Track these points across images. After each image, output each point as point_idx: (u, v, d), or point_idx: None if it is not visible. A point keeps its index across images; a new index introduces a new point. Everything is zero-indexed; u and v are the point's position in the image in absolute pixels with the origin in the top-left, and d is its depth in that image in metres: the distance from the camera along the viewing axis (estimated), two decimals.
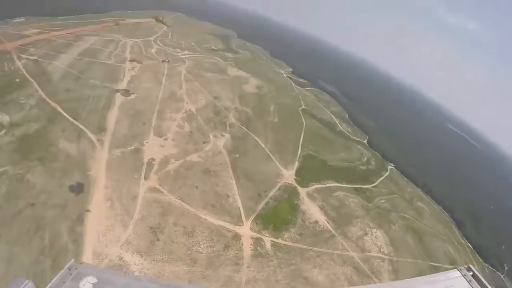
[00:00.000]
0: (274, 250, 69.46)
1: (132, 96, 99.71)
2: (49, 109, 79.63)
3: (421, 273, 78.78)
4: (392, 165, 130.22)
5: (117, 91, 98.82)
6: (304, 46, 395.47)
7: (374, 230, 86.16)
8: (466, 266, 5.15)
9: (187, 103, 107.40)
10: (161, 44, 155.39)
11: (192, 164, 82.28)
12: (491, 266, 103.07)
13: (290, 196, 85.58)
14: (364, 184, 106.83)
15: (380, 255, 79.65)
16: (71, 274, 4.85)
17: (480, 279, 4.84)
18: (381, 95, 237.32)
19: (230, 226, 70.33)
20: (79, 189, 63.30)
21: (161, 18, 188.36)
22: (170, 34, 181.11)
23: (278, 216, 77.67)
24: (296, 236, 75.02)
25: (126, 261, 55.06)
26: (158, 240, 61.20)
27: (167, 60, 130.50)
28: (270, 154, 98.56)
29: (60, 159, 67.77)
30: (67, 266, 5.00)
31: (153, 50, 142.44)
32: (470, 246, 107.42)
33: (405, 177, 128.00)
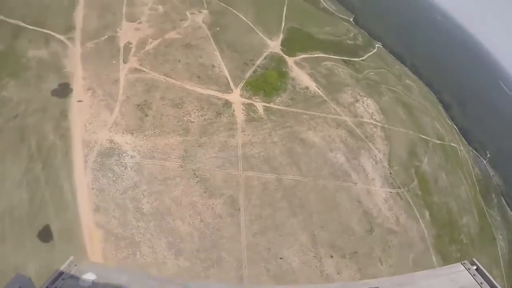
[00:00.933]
0: (267, 114, 66.12)
1: None
2: (10, 27, 67.34)
3: (412, 143, 78.63)
4: (380, 43, 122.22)
5: None
6: None
7: (365, 98, 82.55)
8: (470, 260, 4.69)
9: None
10: None
11: (172, 41, 73.90)
12: (475, 151, 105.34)
13: (277, 65, 79.50)
14: (352, 57, 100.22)
15: (372, 121, 77.41)
16: (70, 271, 4.41)
17: (484, 273, 4.43)
18: None
19: (219, 95, 65.51)
20: (63, 92, 57.14)
21: None
22: None
23: (267, 82, 72.62)
24: (288, 100, 71.23)
25: (117, 143, 51.64)
26: (146, 116, 56.77)
27: None
28: (253, 26, 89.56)
29: (32, 66, 59.63)
30: (66, 262, 4.52)
31: None
32: (456, 128, 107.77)
33: (393, 56, 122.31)
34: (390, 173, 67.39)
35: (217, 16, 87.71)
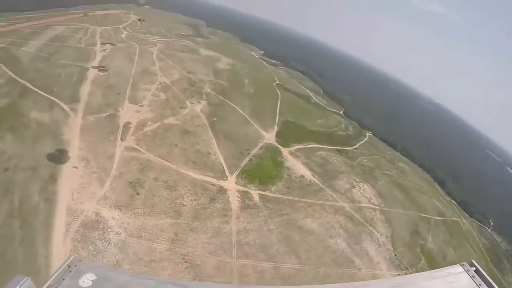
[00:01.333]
0: (263, 202, 64.32)
1: (105, 72, 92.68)
2: (19, 86, 72.59)
3: (413, 223, 76.42)
4: (370, 132, 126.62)
5: (89, 68, 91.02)
6: (272, 33, 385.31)
7: (361, 184, 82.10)
8: (469, 262, 4.58)
9: (161, 76, 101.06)
10: (130, 31, 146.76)
11: (170, 126, 76.67)
12: (478, 221, 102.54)
13: (273, 155, 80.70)
14: (345, 146, 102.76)
15: (370, 205, 75.68)
16: (70, 271, 4.33)
17: (483, 274, 4.43)
18: (352, 75, 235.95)
19: (214, 181, 64.55)
20: (57, 157, 57.06)
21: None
22: (139, 22, 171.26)
23: (263, 171, 72.65)
24: (284, 189, 70.28)
25: (103, 217, 48.90)
26: (138, 194, 55.19)
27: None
28: (248, 118, 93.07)
29: (31, 126, 61.39)
30: (66, 263, 4.43)
31: (123, 35, 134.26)
32: (455, 202, 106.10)
33: (384, 142, 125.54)
34: (395, 255, 63.53)
35: (215, 107, 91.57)
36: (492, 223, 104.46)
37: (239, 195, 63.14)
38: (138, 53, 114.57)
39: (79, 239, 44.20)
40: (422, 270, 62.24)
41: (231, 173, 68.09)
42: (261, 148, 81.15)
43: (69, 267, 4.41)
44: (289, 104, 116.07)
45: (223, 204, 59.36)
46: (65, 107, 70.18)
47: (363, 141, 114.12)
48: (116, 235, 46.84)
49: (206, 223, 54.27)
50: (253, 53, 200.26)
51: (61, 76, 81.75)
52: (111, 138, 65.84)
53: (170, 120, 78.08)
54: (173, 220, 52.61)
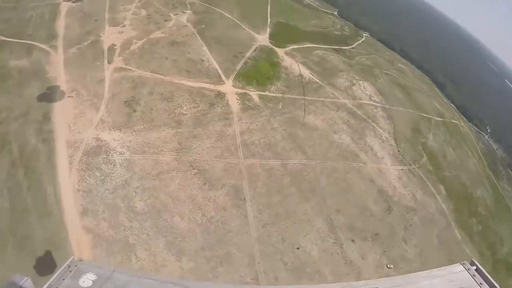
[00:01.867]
0: (263, 102, 61.06)
1: (78, 2, 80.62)
2: None
3: (414, 121, 74.26)
4: (367, 33, 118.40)
5: (61, 3, 79.91)
6: None
7: (361, 82, 77.92)
8: (470, 261, 4.48)
9: None
10: None
11: (157, 40, 69.25)
12: (476, 127, 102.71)
13: (268, 56, 75.04)
14: (342, 46, 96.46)
15: (372, 102, 72.84)
16: (70, 271, 4.30)
17: (483, 273, 4.27)
18: None
19: (211, 86, 60.35)
20: (46, 96, 52.41)
21: None
22: None
23: (259, 73, 68.02)
24: (283, 88, 66.54)
25: (105, 140, 46.06)
26: (135, 111, 51.44)
27: None
28: (238, 22, 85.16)
29: (13, 75, 55.15)
30: (66, 263, 4.40)
31: None
32: (454, 106, 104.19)
33: (382, 43, 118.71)
34: (398, 150, 62.50)
35: (201, 15, 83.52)
36: (489, 130, 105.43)
37: (238, 98, 59.55)
38: None
39: (84, 168, 41.94)
40: (425, 167, 62.42)
41: (227, 77, 63.48)
42: (255, 50, 75.05)
43: (69, 267, 4.31)
44: (280, 6, 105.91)
45: (223, 108, 56.12)
46: (44, 46, 62.87)
47: (360, 41, 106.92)
48: (120, 155, 44.48)
49: (208, 128, 51.63)
50: None
51: (33, 18, 71.79)
52: (98, 63, 59.89)
53: (156, 35, 70.46)
54: (174, 130, 49.81)
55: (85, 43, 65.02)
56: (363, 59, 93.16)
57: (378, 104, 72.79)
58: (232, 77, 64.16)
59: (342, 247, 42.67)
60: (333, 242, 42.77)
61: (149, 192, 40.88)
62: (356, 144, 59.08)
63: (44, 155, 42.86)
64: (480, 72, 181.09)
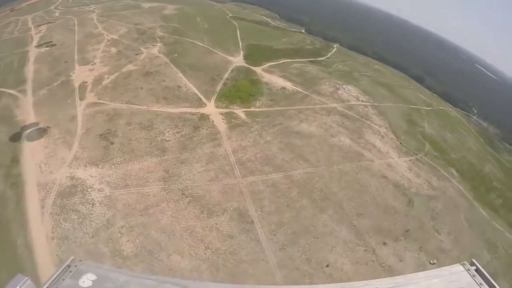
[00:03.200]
0: (251, 117, 55.66)
1: (47, 48, 77.22)
2: None
3: (406, 114, 71.11)
4: (337, 44, 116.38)
5: (29, 51, 76.34)
6: None
7: (344, 85, 74.31)
8: (470, 261, 4.25)
9: (107, 35, 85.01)
10: (63, 8, 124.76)
11: (130, 72, 64.95)
12: (462, 110, 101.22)
13: (246, 75, 70.75)
14: (317, 57, 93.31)
15: (360, 102, 68.71)
16: (70, 272, 4.13)
17: (483, 274, 4.06)
18: (305, 1, 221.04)
19: (193, 110, 54.80)
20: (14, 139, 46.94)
21: None
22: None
23: (241, 91, 63.13)
24: (268, 102, 61.69)
25: (80, 178, 39.22)
26: (112, 144, 45.21)
27: None
28: (211, 48, 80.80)
29: None
30: (66, 263, 4.23)
31: (56, 14, 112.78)
32: (437, 95, 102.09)
33: (353, 51, 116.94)
34: (400, 143, 58.15)
35: (172, 46, 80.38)
36: (475, 111, 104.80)
37: (223, 117, 53.67)
38: (77, 24, 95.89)
39: (58, 212, 34.71)
40: (430, 153, 58.44)
41: (209, 99, 57.86)
42: (232, 71, 70.45)
43: (69, 267, 4.16)
44: (249, 30, 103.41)
45: (209, 129, 49.89)
46: (12, 91, 58.19)
47: (333, 51, 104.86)
48: (99, 192, 37.34)
49: (196, 152, 44.91)
50: None
51: (1, 67, 68.00)
52: (69, 101, 54.60)
53: (128, 68, 65.88)
54: (159, 158, 43.10)
55: (55, 84, 60.45)
56: (340, 66, 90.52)
57: (367, 103, 68.79)
58: (214, 98, 58.71)
59: (375, 253, 35.12)
60: (364, 250, 35.22)
61: (137, 230, 32.95)
62: (358, 144, 53.47)
63: (13, 201, 36.10)
64: (451, 62, 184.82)
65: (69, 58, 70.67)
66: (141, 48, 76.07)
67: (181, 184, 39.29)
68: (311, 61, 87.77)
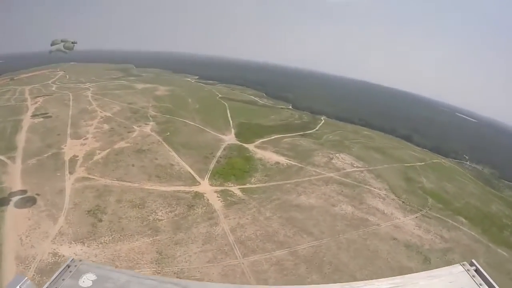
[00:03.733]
0: (247, 194, 53.86)
1: (41, 119, 78.95)
2: None
3: (402, 172, 71.81)
4: (323, 116, 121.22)
5: (23, 119, 78.47)
6: (202, 63, 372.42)
7: (337, 154, 75.23)
8: (469, 262, 4.16)
9: (100, 112, 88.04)
10: (60, 83, 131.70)
11: (121, 149, 64.58)
12: (455, 159, 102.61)
13: (239, 152, 70.81)
14: (306, 131, 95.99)
15: (355, 169, 68.48)
16: (70, 272, 4.08)
17: (483, 274, 3.96)
18: (289, 80, 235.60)
19: (186, 188, 52.80)
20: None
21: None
22: (67, 76, 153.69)
23: (235, 168, 62.16)
24: (263, 177, 60.36)
25: (64, 255, 35.67)
26: (100, 221, 42.34)
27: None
28: (202, 127, 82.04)
29: None
30: (66, 263, 4.16)
31: (53, 88, 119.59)
32: (427, 150, 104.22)
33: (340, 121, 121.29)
34: (403, 202, 57.80)
35: (164, 125, 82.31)
36: (467, 157, 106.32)
37: (219, 195, 51.52)
38: (72, 99, 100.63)
39: None
40: (435, 206, 57.71)
41: (202, 177, 56.37)
42: (224, 149, 70.59)
43: (69, 267, 4.11)
44: (239, 109, 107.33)
45: (204, 208, 47.36)
46: (1, 157, 57.00)
47: (321, 123, 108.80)
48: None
49: (192, 232, 41.83)
50: (188, 79, 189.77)
51: None
52: (58, 174, 52.80)
53: (120, 145, 65.82)
54: (151, 239, 39.82)
55: (45, 155, 59.53)
56: (330, 136, 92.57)
57: (363, 168, 68.96)
58: (208, 176, 57.33)
59: None
60: None
61: None
62: (360, 210, 51.74)
63: None
64: (433, 116, 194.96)
65: (62, 131, 71.29)
66: (134, 126, 77.41)
67: (176, 266, 35.64)
68: (301, 135, 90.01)
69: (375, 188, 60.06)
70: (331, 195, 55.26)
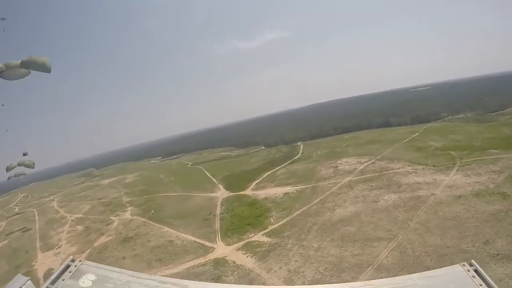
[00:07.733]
0: (276, 237, 41.34)
1: (4, 242, 67.66)
2: None
3: (408, 147, 68.21)
4: (299, 142, 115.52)
5: None
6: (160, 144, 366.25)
7: (339, 161, 67.81)
8: (469, 262, 3.83)
9: (70, 216, 75.64)
10: (22, 204, 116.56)
11: (104, 244, 51.90)
12: (438, 120, 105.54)
13: (240, 201, 59.39)
14: (293, 158, 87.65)
15: (366, 163, 61.62)
16: (70, 272, 3.83)
17: (482, 275, 3.71)
18: (251, 130, 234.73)
19: (201, 260, 39.00)
20: None
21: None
22: (29, 196, 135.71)
23: (244, 218, 50.37)
24: (283, 213, 49.23)
25: None
26: None
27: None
28: (187, 194, 70.71)
29: None
30: (66, 263, 3.91)
31: (16, 209, 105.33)
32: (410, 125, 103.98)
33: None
34: (434, 166, 52.00)
35: (145, 205, 70.63)
36: (446, 114, 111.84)
37: (244, 251, 38.76)
38: (37, 214, 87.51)
39: None
40: (462, 155, 53.87)
41: (213, 241, 43.50)
42: (222, 204, 58.77)
43: (69, 267, 3.87)
44: (216, 167, 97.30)
45: (235, 273, 34.48)
46: None
47: (301, 147, 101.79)
48: None
49: None
50: (153, 160, 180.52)
51: None
52: None
53: (101, 240, 53.01)
54: None
55: (14, 278, 42.01)
56: (319, 152, 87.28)
57: (372, 160, 60.45)
58: (219, 237, 44.28)
59: None
60: None
61: None
62: (405, 192, 43.93)
63: None
64: (394, 101, 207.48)
65: (31, 247, 59.54)
66: (111, 217, 65.27)
67: None
68: (290, 163, 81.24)
69: (399, 169, 52.95)
70: (365, 194, 46.11)
